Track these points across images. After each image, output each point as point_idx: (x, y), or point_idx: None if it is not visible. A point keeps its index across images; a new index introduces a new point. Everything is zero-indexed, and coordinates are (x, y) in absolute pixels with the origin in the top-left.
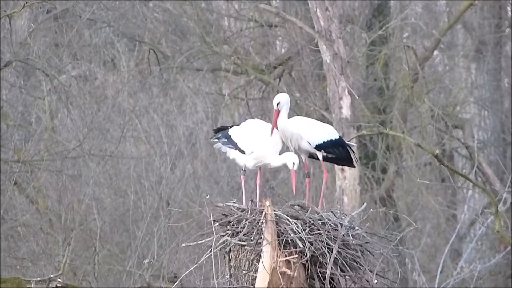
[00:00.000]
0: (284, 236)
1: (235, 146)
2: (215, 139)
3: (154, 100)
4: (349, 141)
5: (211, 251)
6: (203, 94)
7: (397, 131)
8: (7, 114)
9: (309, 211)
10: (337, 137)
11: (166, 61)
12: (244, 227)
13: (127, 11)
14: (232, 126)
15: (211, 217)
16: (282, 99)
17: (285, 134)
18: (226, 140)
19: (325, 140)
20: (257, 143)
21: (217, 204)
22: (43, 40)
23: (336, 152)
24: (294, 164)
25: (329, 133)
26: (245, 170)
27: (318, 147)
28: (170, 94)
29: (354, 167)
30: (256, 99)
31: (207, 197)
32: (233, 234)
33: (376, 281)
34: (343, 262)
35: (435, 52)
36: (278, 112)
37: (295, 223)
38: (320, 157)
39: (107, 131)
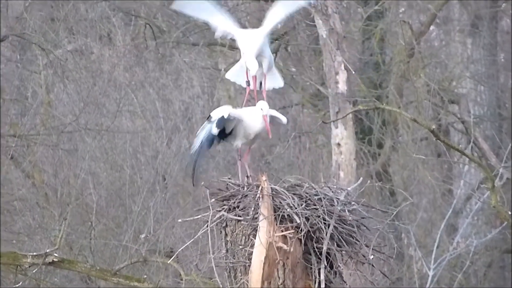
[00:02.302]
0: (281, 211)
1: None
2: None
3: (150, 75)
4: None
5: (207, 226)
6: (199, 68)
7: (393, 106)
8: (3, 89)
9: (305, 186)
10: None
11: (162, 35)
12: (241, 202)
13: None
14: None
15: (207, 192)
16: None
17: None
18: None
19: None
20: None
21: (212, 180)
22: (39, 15)
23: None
24: (263, 109)
25: None
26: (240, 155)
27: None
28: (166, 68)
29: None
30: None
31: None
32: (229, 209)
33: (372, 256)
34: (340, 237)
35: (431, 27)
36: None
37: (291, 198)
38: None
39: (103, 105)
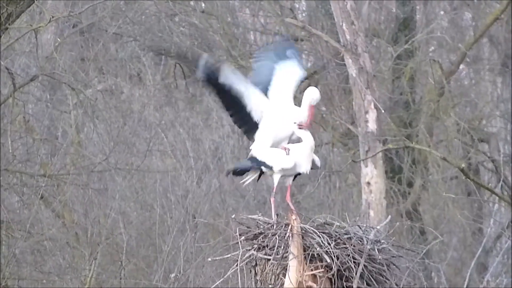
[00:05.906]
0: (310, 250)
1: (264, 165)
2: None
3: (180, 114)
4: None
5: (237, 266)
6: None
7: (423, 145)
8: (33, 128)
9: (335, 225)
10: None
11: (192, 75)
12: (270, 241)
13: (153, 25)
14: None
15: (237, 231)
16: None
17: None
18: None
19: None
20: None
21: (242, 221)
22: (69, 54)
23: None
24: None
25: None
26: (275, 192)
27: None
28: (196, 108)
29: None
30: None
31: (233, 216)
32: (259, 248)
33: None
34: (369, 276)
35: (461, 66)
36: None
37: (321, 236)
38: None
39: (133, 145)
